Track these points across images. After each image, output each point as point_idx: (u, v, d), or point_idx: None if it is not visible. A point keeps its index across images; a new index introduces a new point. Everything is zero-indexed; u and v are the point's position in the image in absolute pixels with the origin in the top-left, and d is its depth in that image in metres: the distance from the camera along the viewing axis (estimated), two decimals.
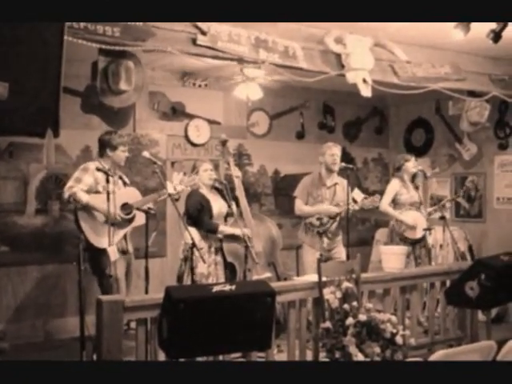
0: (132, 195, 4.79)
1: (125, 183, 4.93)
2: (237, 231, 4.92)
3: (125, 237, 4.76)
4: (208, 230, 5.00)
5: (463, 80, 5.67)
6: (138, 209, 4.60)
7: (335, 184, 5.63)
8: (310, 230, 5.59)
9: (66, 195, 4.59)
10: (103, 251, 4.49)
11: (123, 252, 4.74)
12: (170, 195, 4.61)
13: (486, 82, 5.92)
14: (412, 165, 5.94)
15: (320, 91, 7.27)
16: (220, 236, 5.02)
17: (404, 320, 4.65)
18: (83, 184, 4.61)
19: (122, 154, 4.79)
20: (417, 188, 5.98)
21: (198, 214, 4.98)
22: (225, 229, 5.03)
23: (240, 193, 5.22)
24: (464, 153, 7.53)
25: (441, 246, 6.35)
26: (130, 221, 4.70)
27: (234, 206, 5.05)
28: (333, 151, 5.55)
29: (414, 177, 6.00)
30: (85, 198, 4.56)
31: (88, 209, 4.59)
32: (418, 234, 5.83)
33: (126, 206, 4.66)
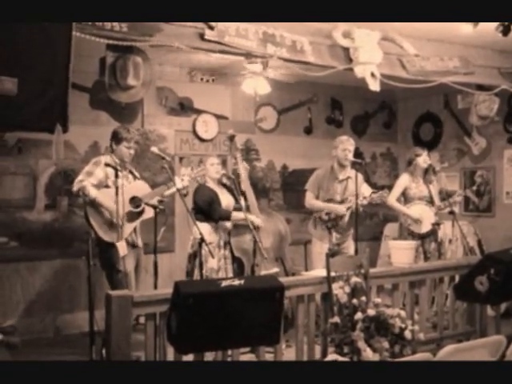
0: (141, 188, 4.80)
1: (135, 177, 4.94)
2: (248, 216, 4.86)
3: (134, 230, 4.77)
4: (221, 217, 4.99)
5: (472, 73, 5.63)
6: (146, 204, 4.61)
7: (347, 178, 5.58)
8: (319, 225, 5.58)
9: (75, 188, 4.61)
10: (113, 246, 4.52)
11: (133, 246, 4.76)
12: (178, 190, 4.61)
13: (495, 75, 5.88)
14: (423, 160, 5.90)
15: (328, 86, 7.25)
16: (229, 227, 5.01)
17: (413, 315, 4.64)
18: (94, 178, 4.63)
19: (124, 149, 4.78)
20: (430, 183, 5.94)
21: (207, 205, 4.98)
22: (238, 214, 5.00)
23: (247, 187, 5.20)
24: (473, 147, 7.50)
25: (450, 240, 6.33)
26: (140, 214, 4.71)
27: (242, 201, 5.04)
28: (345, 146, 5.50)
29: (426, 171, 5.96)
30: (93, 192, 4.57)
31: (96, 205, 4.61)
32: (425, 229, 5.80)
33: (135, 200, 4.67)
